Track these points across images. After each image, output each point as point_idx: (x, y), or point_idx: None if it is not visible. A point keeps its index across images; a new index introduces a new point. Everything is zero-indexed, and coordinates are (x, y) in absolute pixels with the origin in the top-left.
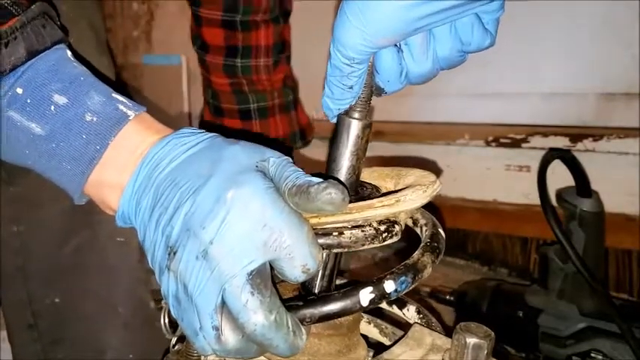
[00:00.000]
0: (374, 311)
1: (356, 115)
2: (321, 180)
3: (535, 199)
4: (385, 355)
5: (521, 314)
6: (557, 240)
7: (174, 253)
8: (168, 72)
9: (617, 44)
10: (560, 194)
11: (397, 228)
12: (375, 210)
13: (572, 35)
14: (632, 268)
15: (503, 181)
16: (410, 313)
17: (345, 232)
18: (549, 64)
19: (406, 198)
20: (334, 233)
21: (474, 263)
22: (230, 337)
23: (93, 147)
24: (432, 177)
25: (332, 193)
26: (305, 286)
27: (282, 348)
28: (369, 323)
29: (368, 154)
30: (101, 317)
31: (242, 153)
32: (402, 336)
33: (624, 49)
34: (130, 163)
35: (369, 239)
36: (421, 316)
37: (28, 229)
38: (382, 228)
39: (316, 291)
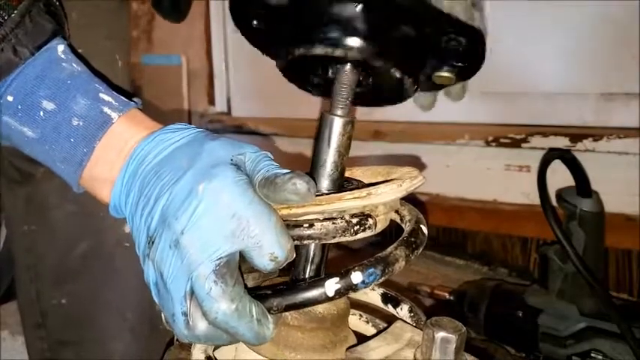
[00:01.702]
0: (374, 311)
1: (338, 112)
2: (288, 171)
3: (535, 199)
4: (359, 347)
5: (521, 314)
6: (557, 240)
7: (153, 243)
8: (168, 72)
9: (617, 44)
10: (560, 194)
11: (371, 221)
12: (345, 202)
13: (573, 35)
14: (632, 268)
15: (503, 181)
16: (403, 312)
17: (315, 223)
18: (549, 64)
19: (378, 191)
20: (305, 225)
21: (473, 263)
22: (198, 324)
23: (81, 150)
24: (414, 172)
25: (297, 184)
26: (293, 279)
27: (248, 336)
28: (368, 323)
29: (370, 153)
30: (108, 321)
31: (220, 147)
32: (381, 331)
33: (624, 49)
34: (119, 159)
35: (339, 232)
36: (412, 314)
37: (37, 229)
38: (354, 221)
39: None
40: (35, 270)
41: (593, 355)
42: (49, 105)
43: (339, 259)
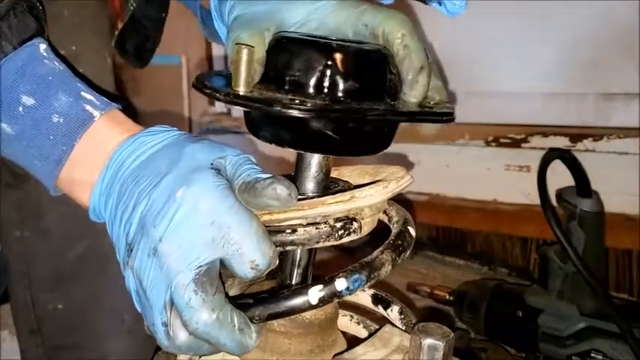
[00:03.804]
0: (365, 312)
1: None
2: (268, 175)
3: (535, 199)
4: (347, 355)
5: (521, 314)
6: (557, 240)
7: (131, 250)
8: (168, 72)
9: (617, 44)
10: (560, 194)
11: (355, 225)
12: (328, 206)
13: (572, 35)
14: (632, 268)
15: (503, 181)
16: (393, 313)
17: (298, 229)
18: (549, 64)
19: (362, 194)
20: (287, 230)
21: (473, 263)
22: (179, 334)
23: (60, 148)
24: (401, 172)
25: (277, 189)
26: (281, 284)
27: (230, 346)
28: (359, 324)
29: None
30: (105, 324)
31: (200, 151)
32: (369, 335)
33: (624, 49)
34: (99, 162)
35: (323, 237)
36: (402, 316)
37: (31, 234)
38: (338, 225)
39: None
40: (29, 276)
41: (593, 355)
42: (28, 100)
43: (336, 259)
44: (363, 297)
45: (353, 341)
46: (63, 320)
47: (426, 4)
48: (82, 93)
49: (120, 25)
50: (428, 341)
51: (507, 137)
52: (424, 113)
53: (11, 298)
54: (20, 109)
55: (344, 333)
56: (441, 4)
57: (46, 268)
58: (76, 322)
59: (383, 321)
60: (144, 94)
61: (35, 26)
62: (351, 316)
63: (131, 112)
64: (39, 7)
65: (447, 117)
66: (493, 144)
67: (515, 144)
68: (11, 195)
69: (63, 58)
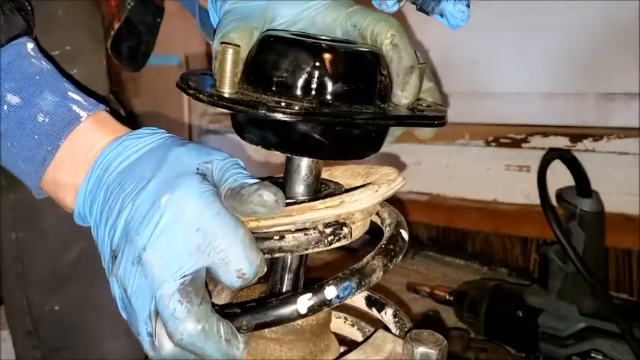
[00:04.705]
0: (359, 312)
1: None
2: (255, 181)
3: (535, 199)
4: None
5: (521, 314)
6: (557, 240)
7: (116, 258)
8: (168, 72)
9: (617, 44)
10: (560, 194)
11: (346, 230)
12: (317, 212)
13: (572, 35)
14: (632, 268)
15: (503, 181)
16: (387, 316)
17: (286, 235)
18: (549, 64)
19: (352, 199)
20: (275, 237)
21: (473, 263)
22: (165, 344)
23: (45, 148)
24: (393, 175)
25: (263, 195)
26: (272, 289)
27: (216, 357)
28: (353, 326)
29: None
30: (102, 325)
31: (186, 155)
32: (363, 340)
33: (624, 49)
34: (84, 164)
35: (312, 243)
36: (396, 319)
37: (27, 236)
38: (328, 231)
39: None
40: (25, 278)
41: (593, 355)
42: (13, 99)
43: (340, 259)
44: (357, 299)
45: (348, 344)
46: (60, 322)
47: (428, 15)
48: (69, 93)
49: (116, 25)
50: (420, 350)
51: (507, 137)
52: (415, 117)
53: (5, 300)
54: (5, 107)
55: (337, 334)
56: (442, 17)
57: (43, 270)
58: (73, 324)
59: (378, 322)
60: (143, 95)
61: (23, 25)
62: (345, 318)
63: (120, 115)
64: (28, 9)
65: (439, 120)
66: (493, 144)
67: (515, 144)
68: (5, 197)
69: (51, 60)
